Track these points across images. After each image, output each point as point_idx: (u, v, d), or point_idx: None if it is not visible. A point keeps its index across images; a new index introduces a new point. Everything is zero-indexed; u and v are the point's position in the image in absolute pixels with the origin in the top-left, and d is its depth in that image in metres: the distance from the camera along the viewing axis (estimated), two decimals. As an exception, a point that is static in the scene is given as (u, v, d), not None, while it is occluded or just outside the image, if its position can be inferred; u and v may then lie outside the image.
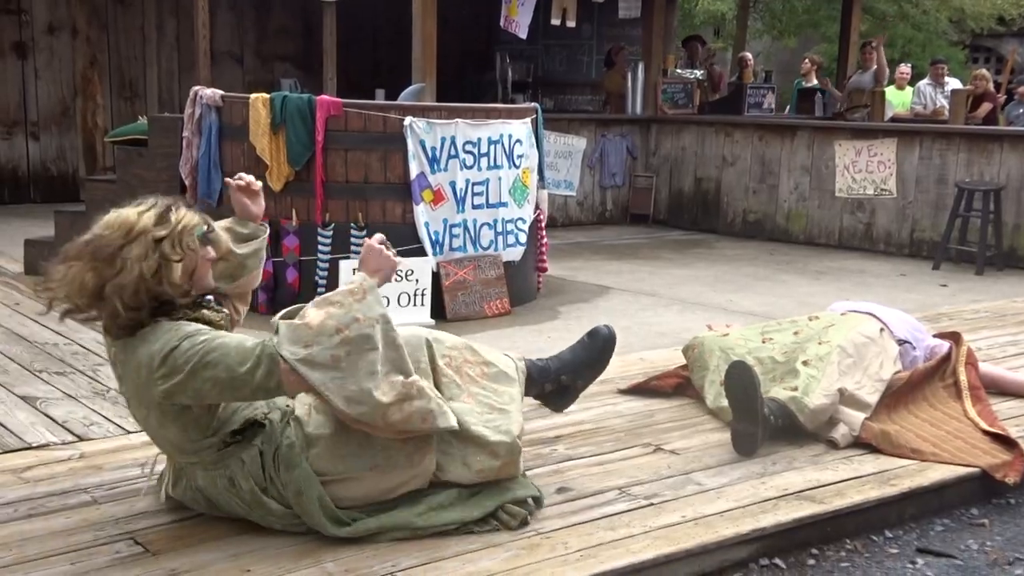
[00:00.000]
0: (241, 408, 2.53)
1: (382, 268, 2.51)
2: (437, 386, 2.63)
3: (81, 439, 3.27)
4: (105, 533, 2.54)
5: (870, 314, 3.96)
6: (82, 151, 9.02)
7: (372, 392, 2.33)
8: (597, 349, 3.05)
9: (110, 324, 2.42)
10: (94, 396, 3.74)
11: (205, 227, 2.46)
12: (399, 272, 5.13)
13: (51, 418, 3.47)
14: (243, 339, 2.37)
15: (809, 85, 11.68)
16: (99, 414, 3.53)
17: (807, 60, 12.47)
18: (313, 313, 2.35)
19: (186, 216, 2.43)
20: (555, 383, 3.01)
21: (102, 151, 8.35)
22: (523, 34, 8.94)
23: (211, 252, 2.49)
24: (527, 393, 2.94)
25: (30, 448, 3.17)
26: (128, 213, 2.39)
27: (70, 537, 2.51)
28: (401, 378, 2.40)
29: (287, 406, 2.61)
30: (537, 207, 5.99)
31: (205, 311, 2.50)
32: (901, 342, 3.88)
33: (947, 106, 9.49)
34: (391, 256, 2.53)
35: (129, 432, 3.34)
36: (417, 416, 2.42)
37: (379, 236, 2.56)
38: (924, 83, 10.99)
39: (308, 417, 2.55)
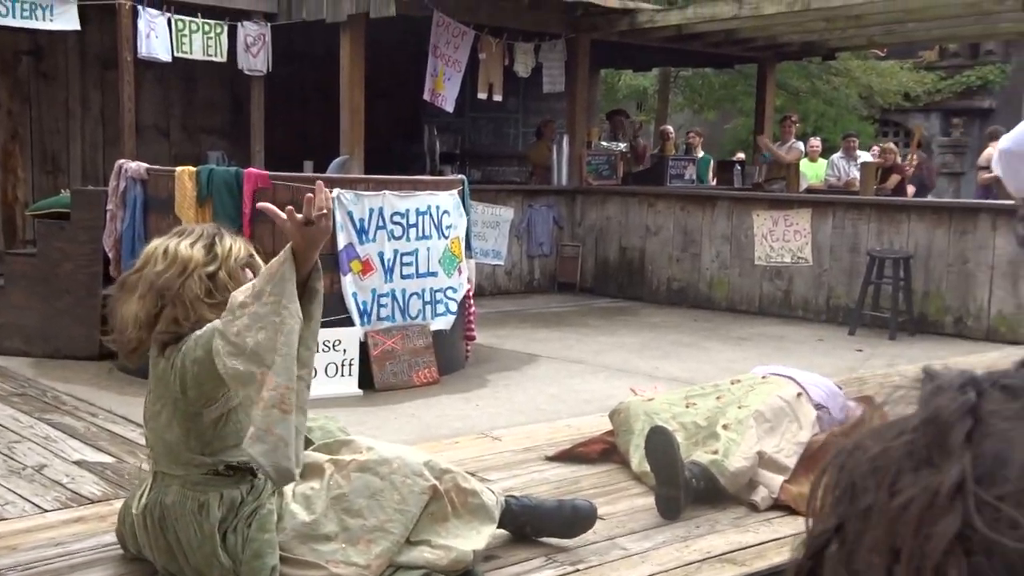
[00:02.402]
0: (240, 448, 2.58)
1: (303, 238, 2.31)
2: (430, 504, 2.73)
3: (-5, 519, 3.19)
4: (19, 615, 2.47)
5: (790, 378, 4.07)
6: (1, 225, 8.85)
7: (254, 375, 2.30)
8: (573, 522, 3.04)
9: (157, 342, 2.56)
10: (9, 474, 3.64)
11: (249, 255, 2.65)
12: (327, 342, 5.13)
13: (-36, 498, 3.37)
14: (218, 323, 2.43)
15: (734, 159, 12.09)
16: (14, 493, 3.43)
17: (691, 134, 12.99)
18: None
19: (231, 245, 2.61)
20: (520, 531, 3.03)
21: (22, 225, 8.19)
22: (449, 107, 9.11)
23: (251, 275, 2.62)
24: (500, 524, 2.97)
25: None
26: (180, 248, 2.55)
27: (-18, 620, 2.44)
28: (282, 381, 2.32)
29: None
30: (468, 278, 6.05)
31: None
32: (819, 407, 3.98)
33: (858, 177, 9.89)
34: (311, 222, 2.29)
35: (46, 511, 3.26)
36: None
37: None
38: (837, 156, 11.44)
39: (291, 496, 2.64)
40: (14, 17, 7.64)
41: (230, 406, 2.55)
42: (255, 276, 2.60)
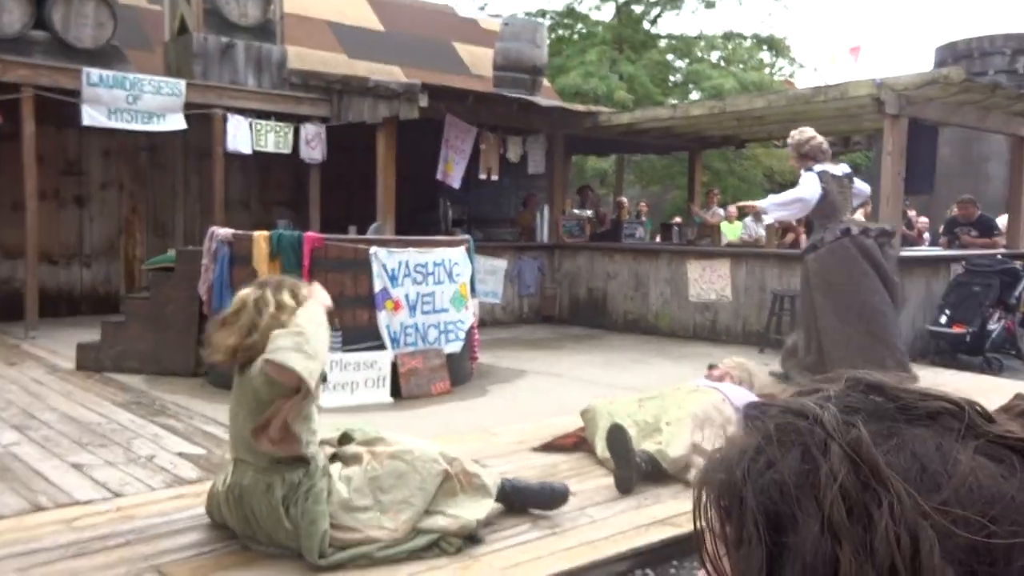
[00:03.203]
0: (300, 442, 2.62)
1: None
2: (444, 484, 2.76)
3: (117, 495, 3.19)
4: (136, 567, 2.47)
5: (716, 388, 4.09)
6: (124, 275, 8.87)
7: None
8: (552, 499, 3.05)
9: (238, 362, 2.65)
10: (128, 463, 3.64)
11: (301, 295, 2.72)
12: (366, 363, 5.14)
13: (95, 480, 3.37)
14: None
15: (673, 222, 12.18)
16: (132, 476, 3.44)
17: (641, 204, 13.11)
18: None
19: (295, 290, 2.72)
20: (511, 505, 3.03)
21: (139, 275, 8.22)
22: (456, 185, 9.18)
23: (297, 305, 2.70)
24: (496, 499, 2.97)
25: (78, 503, 3.08)
26: (266, 295, 2.67)
27: (108, 571, 2.44)
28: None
29: (325, 461, 2.69)
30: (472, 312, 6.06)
31: None
32: (738, 410, 3.99)
33: (764, 236, 9.96)
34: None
35: (155, 490, 3.27)
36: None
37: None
38: (748, 219, 11.51)
39: (337, 477, 2.67)
40: (138, 123, 7.73)
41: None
42: (299, 306, 2.68)
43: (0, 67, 7.11)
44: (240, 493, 2.57)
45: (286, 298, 2.67)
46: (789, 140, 5.58)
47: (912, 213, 11.14)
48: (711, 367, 4.51)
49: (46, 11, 7.84)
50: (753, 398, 4.20)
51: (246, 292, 2.68)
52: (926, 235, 11.18)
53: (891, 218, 7.32)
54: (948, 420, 0.47)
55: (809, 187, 5.25)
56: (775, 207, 5.46)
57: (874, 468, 0.45)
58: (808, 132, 5.50)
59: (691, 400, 3.86)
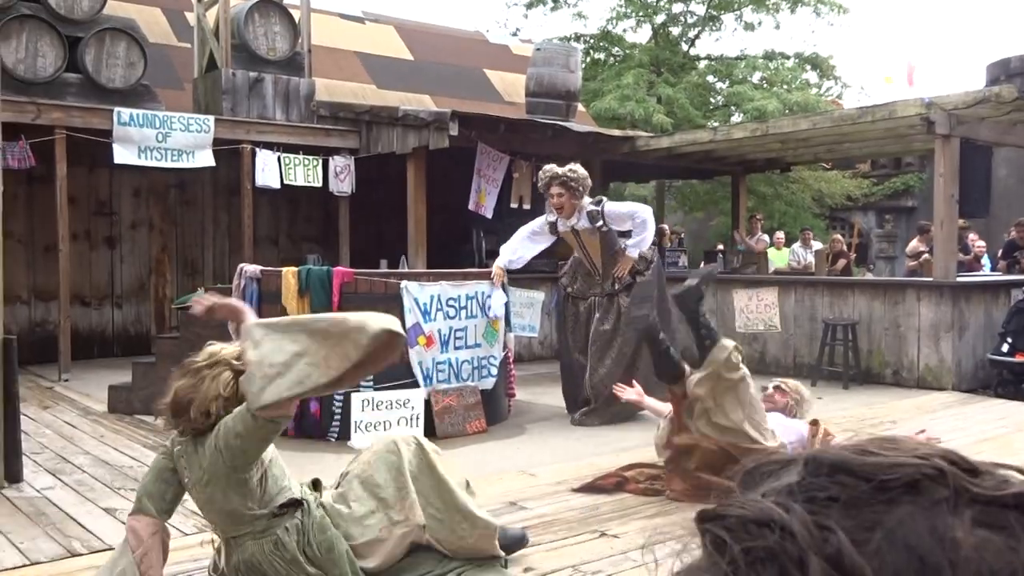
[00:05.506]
0: (284, 489, 2.57)
1: (236, 314, 2.67)
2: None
3: (149, 541, 3.26)
4: (169, 615, 2.52)
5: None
6: (154, 316, 9.09)
7: (312, 373, 2.28)
8: (508, 546, 3.01)
9: (188, 427, 2.49)
10: (160, 507, 3.73)
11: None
12: (399, 401, 5.18)
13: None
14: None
15: (717, 249, 12.15)
16: (164, 521, 3.51)
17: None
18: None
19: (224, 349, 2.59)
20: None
21: (168, 315, 8.43)
22: (489, 215, 9.28)
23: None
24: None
25: (111, 548, 3.15)
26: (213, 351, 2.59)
27: (141, 620, 2.50)
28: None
29: (312, 494, 2.67)
30: (506, 346, 6.10)
31: None
32: (783, 444, 4.00)
33: (813, 262, 9.88)
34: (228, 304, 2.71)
35: (186, 534, 3.34)
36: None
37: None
38: (796, 245, 11.45)
39: (331, 500, 2.65)
40: (167, 161, 8.01)
41: (264, 466, 2.52)
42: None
43: (35, 111, 7.45)
44: (248, 568, 2.52)
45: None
46: (570, 174, 5.87)
47: (972, 236, 10.96)
48: (776, 387, 4.52)
49: (79, 53, 8.21)
50: (796, 428, 4.19)
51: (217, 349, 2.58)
52: (984, 259, 10.99)
53: (948, 241, 7.24)
54: (931, 488, 0.41)
55: (645, 209, 6.02)
56: (638, 247, 5.93)
57: None
58: (583, 168, 5.98)
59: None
